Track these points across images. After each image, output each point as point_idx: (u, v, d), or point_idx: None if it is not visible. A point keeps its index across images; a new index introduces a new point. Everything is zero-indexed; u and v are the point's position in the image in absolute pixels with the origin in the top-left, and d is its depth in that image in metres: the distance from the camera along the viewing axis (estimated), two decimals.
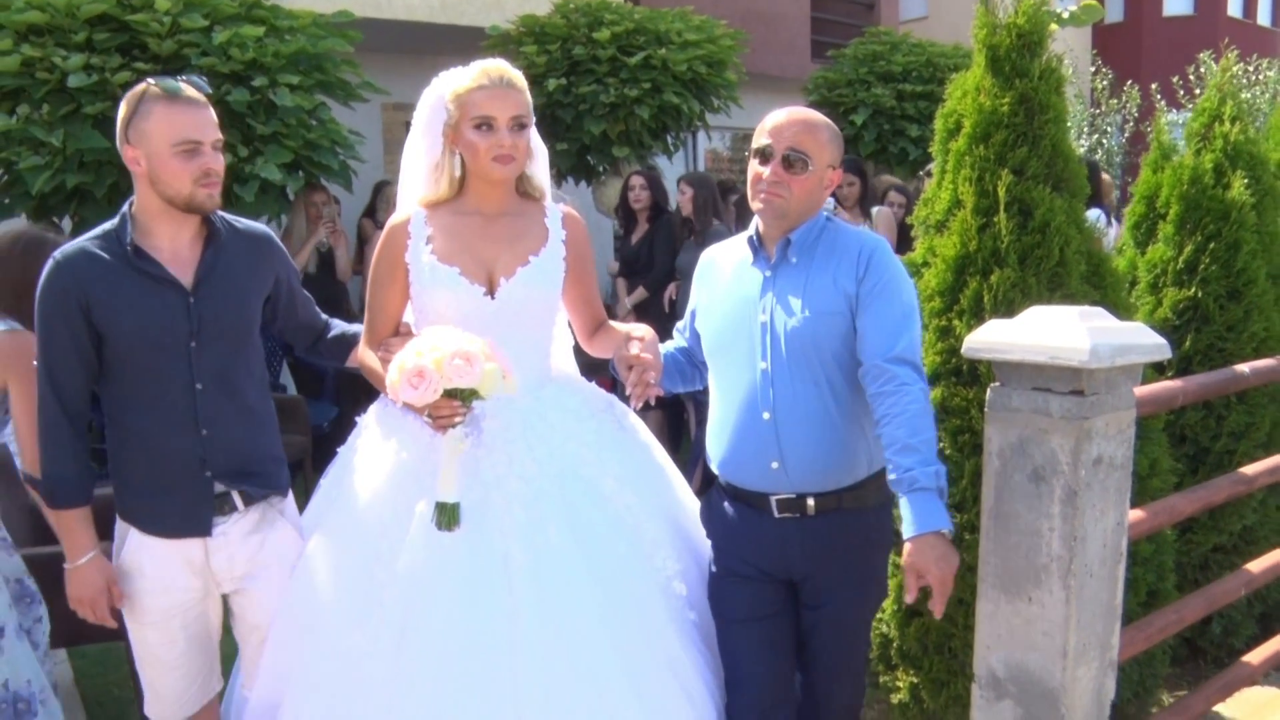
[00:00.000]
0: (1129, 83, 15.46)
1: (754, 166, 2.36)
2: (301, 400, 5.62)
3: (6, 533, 2.80)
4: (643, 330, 2.48)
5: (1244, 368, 3.05)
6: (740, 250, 2.47)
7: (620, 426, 2.64)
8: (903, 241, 5.97)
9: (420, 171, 2.60)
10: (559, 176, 7.64)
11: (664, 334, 2.71)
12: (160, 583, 2.42)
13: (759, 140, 2.35)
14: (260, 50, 4.86)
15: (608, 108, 7.40)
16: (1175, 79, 15.14)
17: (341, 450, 2.63)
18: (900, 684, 3.13)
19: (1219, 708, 3.24)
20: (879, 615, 3.04)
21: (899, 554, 2.96)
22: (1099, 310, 2.36)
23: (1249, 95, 14.57)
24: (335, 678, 2.33)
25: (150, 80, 2.32)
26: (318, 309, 2.79)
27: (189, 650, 2.49)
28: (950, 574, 2.16)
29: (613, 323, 2.71)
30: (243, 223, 2.54)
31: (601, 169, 7.98)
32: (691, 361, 2.66)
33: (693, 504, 2.67)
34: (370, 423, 2.59)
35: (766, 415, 2.32)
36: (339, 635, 2.35)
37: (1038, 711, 2.34)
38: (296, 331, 2.75)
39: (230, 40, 4.75)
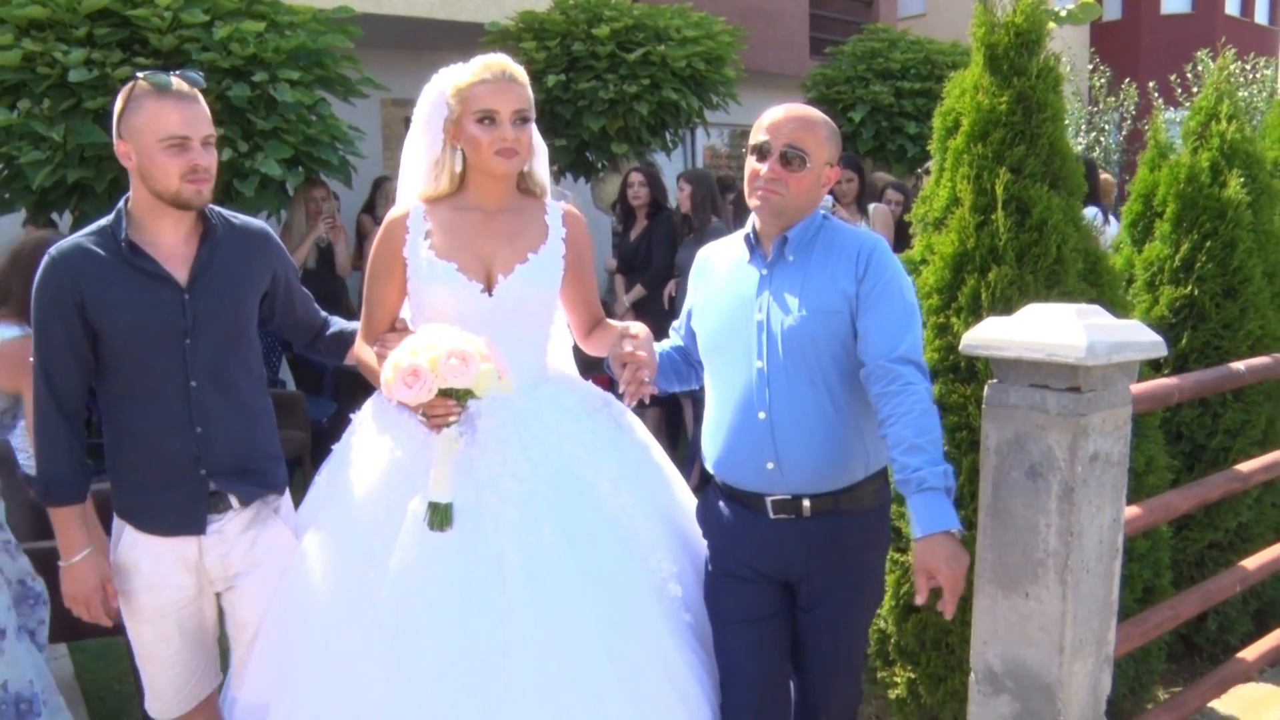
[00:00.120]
0: (1126, 80, 15.48)
1: (751, 163, 2.33)
2: (301, 396, 5.62)
3: (10, 535, 2.80)
4: (638, 328, 2.45)
5: (1240, 365, 3.06)
6: (736, 248, 2.45)
7: (618, 426, 2.61)
8: (900, 239, 5.98)
9: (420, 168, 2.58)
10: (558, 173, 7.65)
11: (663, 332, 2.70)
12: (155, 580, 2.41)
13: (756, 137, 2.32)
14: (261, 46, 4.86)
15: (607, 104, 7.40)
16: (1173, 77, 15.17)
17: (336, 447, 2.60)
18: (898, 679, 3.14)
19: (1214, 704, 3.26)
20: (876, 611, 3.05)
21: (897, 551, 3.00)
22: (1096, 308, 2.37)
23: (1246, 94, 14.61)
24: (327, 678, 2.30)
25: (139, 74, 2.30)
26: (316, 306, 2.77)
27: (184, 647, 2.48)
28: (961, 574, 2.14)
29: (609, 320, 2.69)
30: (240, 219, 2.52)
31: (600, 165, 7.98)
32: (688, 360, 2.63)
33: (691, 504, 2.64)
34: (365, 419, 2.57)
35: (762, 415, 2.30)
36: (331, 635, 2.32)
37: (1034, 706, 2.35)
38: (295, 328, 2.73)
39: (231, 35, 4.76)
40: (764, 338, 2.31)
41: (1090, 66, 15.96)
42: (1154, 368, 3.49)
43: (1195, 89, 13.26)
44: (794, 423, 2.28)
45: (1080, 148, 13.74)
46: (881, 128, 9.43)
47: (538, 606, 2.25)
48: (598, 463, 2.46)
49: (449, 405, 2.19)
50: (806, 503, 2.31)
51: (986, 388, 2.37)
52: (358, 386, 2.61)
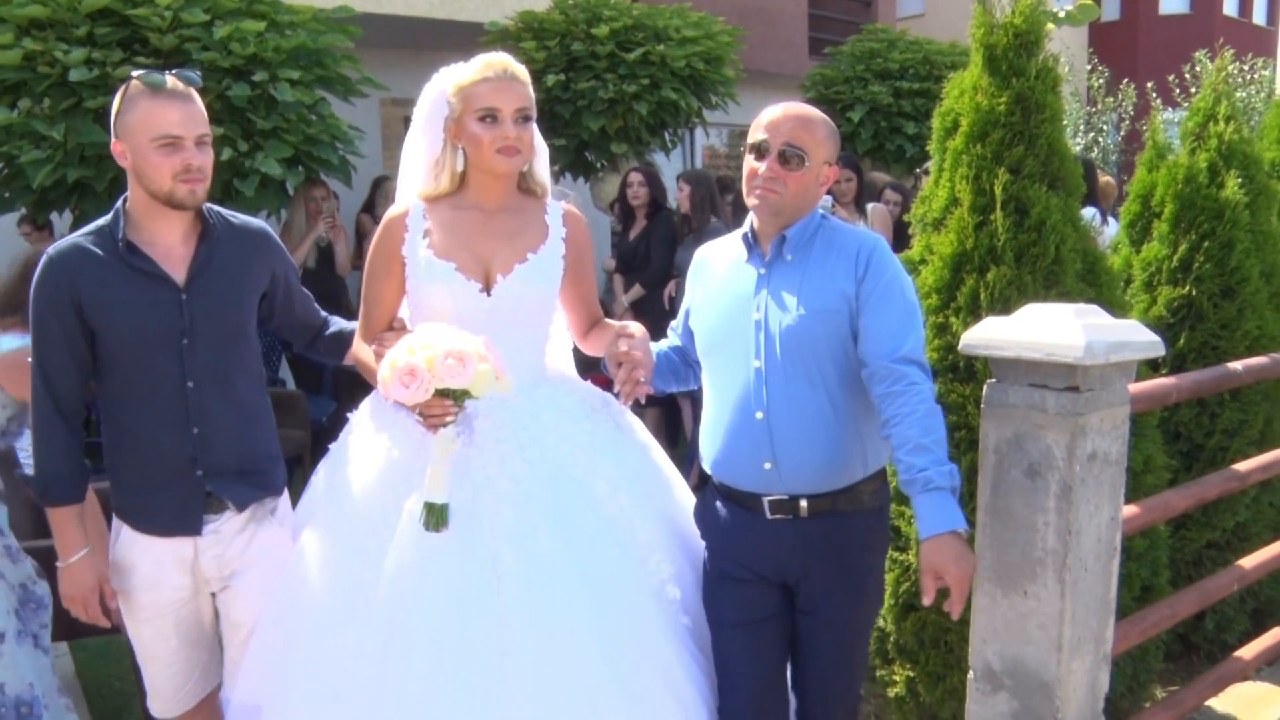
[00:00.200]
0: (1125, 81, 15.49)
1: (749, 162, 2.31)
2: (301, 395, 5.62)
3: (13, 539, 2.79)
4: (634, 328, 2.44)
5: (1237, 365, 3.07)
6: (734, 247, 2.43)
7: (617, 426, 2.59)
8: (899, 239, 5.99)
9: (420, 167, 2.56)
10: (558, 173, 7.65)
11: (662, 332, 2.70)
12: (153, 579, 2.41)
13: (755, 135, 2.30)
14: (261, 45, 4.87)
15: (606, 104, 7.41)
16: (1171, 77, 15.18)
17: (333, 446, 2.58)
18: (897, 678, 3.15)
19: (1211, 702, 3.27)
20: None
21: (896, 549, 3.01)
22: (1094, 308, 2.37)
23: (1244, 94, 14.62)
24: (320, 679, 2.28)
25: (134, 73, 2.29)
26: (316, 306, 2.76)
27: (182, 647, 2.49)
28: (969, 573, 2.12)
29: (607, 320, 2.68)
30: (239, 218, 2.51)
31: (599, 165, 7.99)
32: (685, 360, 2.61)
33: (691, 505, 2.61)
34: (363, 419, 2.55)
35: (760, 415, 2.28)
36: (325, 635, 2.31)
37: (1033, 704, 2.36)
38: (294, 328, 2.72)
39: (231, 35, 4.76)
40: (762, 337, 2.29)
41: (1088, 67, 15.98)
42: (1152, 368, 3.51)
43: (1193, 89, 13.31)
44: (792, 423, 2.27)
45: (1078, 148, 13.76)
46: (880, 128, 9.44)
47: (533, 609, 2.23)
48: (596, 464, 2.43)
49: (446, 405, 2.18)
50: (804, 503, 2.29)
51: (985, 387, 2.38)
52: (357, 386, 2.60)
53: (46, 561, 2.72)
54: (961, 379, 2.97)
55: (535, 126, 2.48)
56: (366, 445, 2.47)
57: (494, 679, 2.19)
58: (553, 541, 2.29)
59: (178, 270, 2.35)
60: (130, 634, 2.50)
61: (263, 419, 2.53)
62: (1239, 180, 3.70)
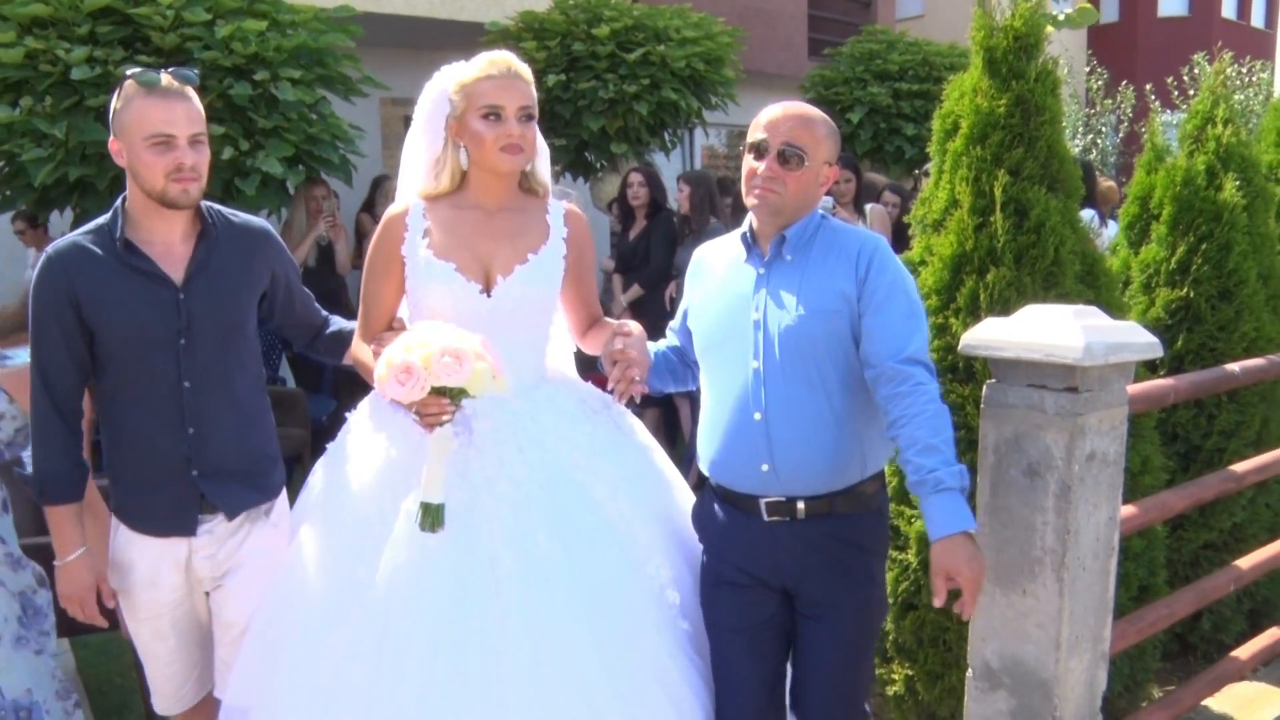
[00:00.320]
0: (1124, 83, 15.50)
1: (748, 161, 2.28)
2: (301, 394, 5.63)
3: (15, 548, 2.79)
4: (631, 326, 2.42)
5: (1234, 367, 3.09)
6: (733, 247, 2.40)
7: (618, 428, 2.56)
8: (897, 241, 6.00)
9: (420, 166, 2.54)
10: (558, 173, 7.67)
11: (661, 333, 2.69)
12: (150, 578, 2.40)
13: (754, 135, 2.27)
14: (262, 44, 4.87)
15: (606, 104, 7.42)
16: (1170, 80, 15.20)
17: (331, 446, 2.55)
18: (896, 676, 3.16)
19: (1208, 702, 3.29)
20: None
21: (894, 549, 3.02)
22: (1093, 309, 2.39)
23: (1242, 97, 14.64)
24: (311, 681, 2.26)
25: (128, 71, 2.28)
26: (317, 305, 2.74)
27: (180, 647, 2.49)
28: (981, 574, 2.09)
29: (606, 319, 2.66)
30: (240, 217, 2.49)
31: (599, 165, 8.00)
32: (684, 361, 2.59)
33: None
34: (361, 418, 2.52)
35: (758, 416, 2.25)
36: (318, 635, 2.28)
37: (1031, 702, 2.37)
38: (294, 328, 2.71)
39: (233, 34, 4.77)
40: (760, 338, 2.26)
41: (1087, 69, 16.00)
42: (1150, 369, 3.52)
43: (1192, 92, 13.35)
44: (790, 424, 2.24)
45: (1077, 150, 13.78)
46: (879, 129, 9.45)
47: (531, 611, 2.21)
48: (596, 467, 2.41)
49: (442, 404, 2.15)
50: (801, 505, 2.26)
51: (985, 388, 2.39)
52: (357, 385, 2.59)
53: (45, 559, 2.73)
54: (961, 379, 2.99)
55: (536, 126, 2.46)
56: (364, 445, 2.45)
57: (490, 681, 2.17)
58: (551, 544, 2.27)
59: (176, 269, 2.33)
60: (130, 632, 2.50)
61: (261, 420, 2.51)
62: (1237, 183, 3.71)
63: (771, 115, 2.28)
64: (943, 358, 3.01)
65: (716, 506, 2.39)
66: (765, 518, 2.29)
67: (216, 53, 4.73)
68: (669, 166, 9.23)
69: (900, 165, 9.43)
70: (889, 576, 2.99)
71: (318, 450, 2.64)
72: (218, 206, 2.46)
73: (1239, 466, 3.17)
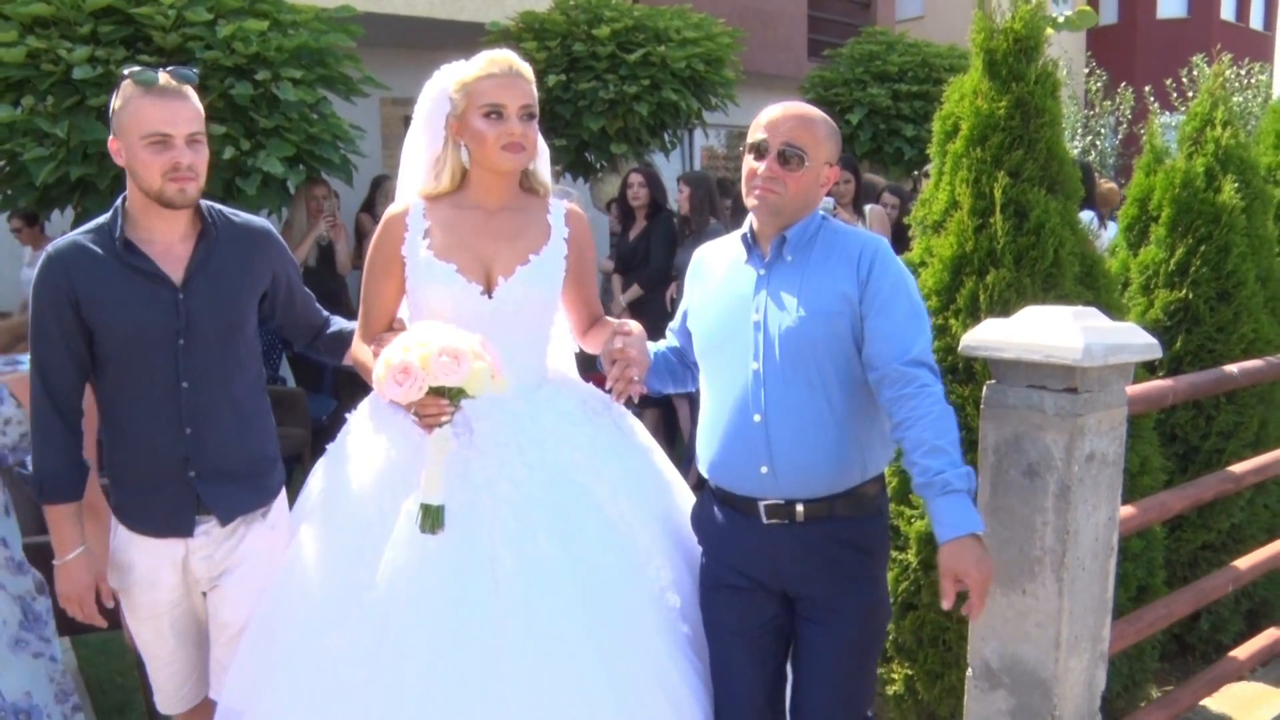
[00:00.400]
0: (1123, 85, 15.53)
1: (749, 162, 2.26)
2: (301, 393, 5.63)
3: (17, 553, 2.79)
4: (631, 325, 2.42)
5: (1233, 368, 3.10)
6: (733, 248, 2.38)
7: (619, 429, 2.54)
8: (896, 242, 6.00)
9: (420, 165, 2.52)
10: (558, 173, 7.67)
11: (661, 333, 2.68)
12: (150, 578, 2.40)
13: (754, 135, 2.25)
14: (263, 44, 4.89)
15: (607, 104, 7.43)
16: (1169, 81, 15.23)
17: (331, 446, 2.53)
18: (895, 676, 3.17)
19: (1206, 702, 3.30)
20: None
21: (894, 549, 3.03)
22: (1092, 310, 2.40)
23: (1241, 99, 14.67)
24: (307, 682, 2.24)
25: (126, 70, 2.28)
26: (318, 305, 2.73)
27: (179, 647, 2.49)
28: (989, 576, 2.06)
29: (607, 318, 2.65)
30: (241, 217, 2.48)
31: (599, 165, 8.01)
32: (683, 362, 2.58)
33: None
34: (361, 418, 2.51)
35: (757, 418, 2.22)
36: (315, 636, 2.26)
37: (1030, 702, 2.38)
38: (295, 328, 2.70)
39: (234, 34, 4.78)
40: (760, 339, 2.24)
41: (1086, 70, 16.01)
42: (1149, 370, 3.53)
43: (1191, 93, 13.37)
44: (789, 426, 2.22)
45: (1076, 151, 13.80)
46: (879, 130, 9.47)
47: (530, 613, 2.19)
48: (596, 468, 2.39)
49: (441, 404, 2.14)
50: (800, 507, 2.23)
51: (985, 388, 2.40)
52: (358, 384, 2.57)
53: (45, 557, 2.73)
54: (961, 380, 3.00)
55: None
56: (365, 445, 2.43)
57: (489, 683, 2.15)
58: (551, 546, 2.25)
59: (175, 269, 2.33)
60: (131, 632, 2.50)
61: (260, 420, 2.50)
62: (1236, 185, 3.72)
63: (772, 115, 2.26)
64: (943, 358, 3.01)
65: (716, 509, 2.37)
66: (764, 520, 2.27)
67: (218, 52, 4.74)
68: (669, 167, 9.24)
69: (899, 166, 9.44)
70: (889, 577, 3.00)
71: (318, 450, 2.63)
72: (218, 206, 2.46)
73: (1237, 467, 3.18)
